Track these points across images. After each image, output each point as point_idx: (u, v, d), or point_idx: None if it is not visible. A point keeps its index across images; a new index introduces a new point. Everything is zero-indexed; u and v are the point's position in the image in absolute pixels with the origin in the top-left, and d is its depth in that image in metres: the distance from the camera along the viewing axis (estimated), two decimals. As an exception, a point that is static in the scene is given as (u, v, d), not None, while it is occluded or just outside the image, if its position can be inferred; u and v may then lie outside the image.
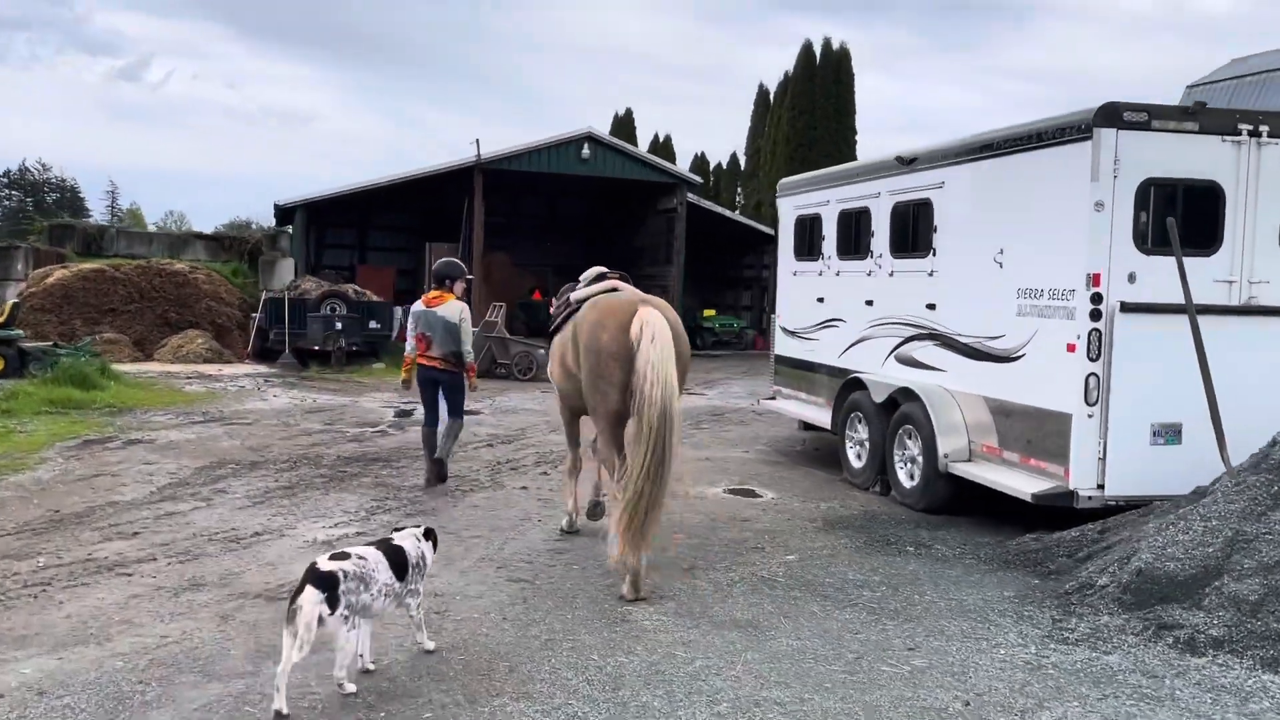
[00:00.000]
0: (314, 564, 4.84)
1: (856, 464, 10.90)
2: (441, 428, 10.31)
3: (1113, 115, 7.86)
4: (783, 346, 13.44)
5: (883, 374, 10.65)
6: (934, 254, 9.92)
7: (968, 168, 9.42)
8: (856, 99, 35.88)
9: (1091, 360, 7.96)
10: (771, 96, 38.42)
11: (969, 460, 9.27)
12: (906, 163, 10.42)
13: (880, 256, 10.91)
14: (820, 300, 12.31)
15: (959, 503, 9.46)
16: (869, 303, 11.10)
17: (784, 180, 13.67)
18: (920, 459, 9.63)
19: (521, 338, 23.91)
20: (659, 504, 6.61)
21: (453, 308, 10.04)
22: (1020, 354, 8.64)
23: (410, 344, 10.21)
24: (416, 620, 5.53)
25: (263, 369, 22.28)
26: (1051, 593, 6.80)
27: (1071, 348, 8.04)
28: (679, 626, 6.12)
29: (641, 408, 6.65)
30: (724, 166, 43.61)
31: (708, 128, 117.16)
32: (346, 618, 4.77)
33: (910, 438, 9.85)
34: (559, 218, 39.68)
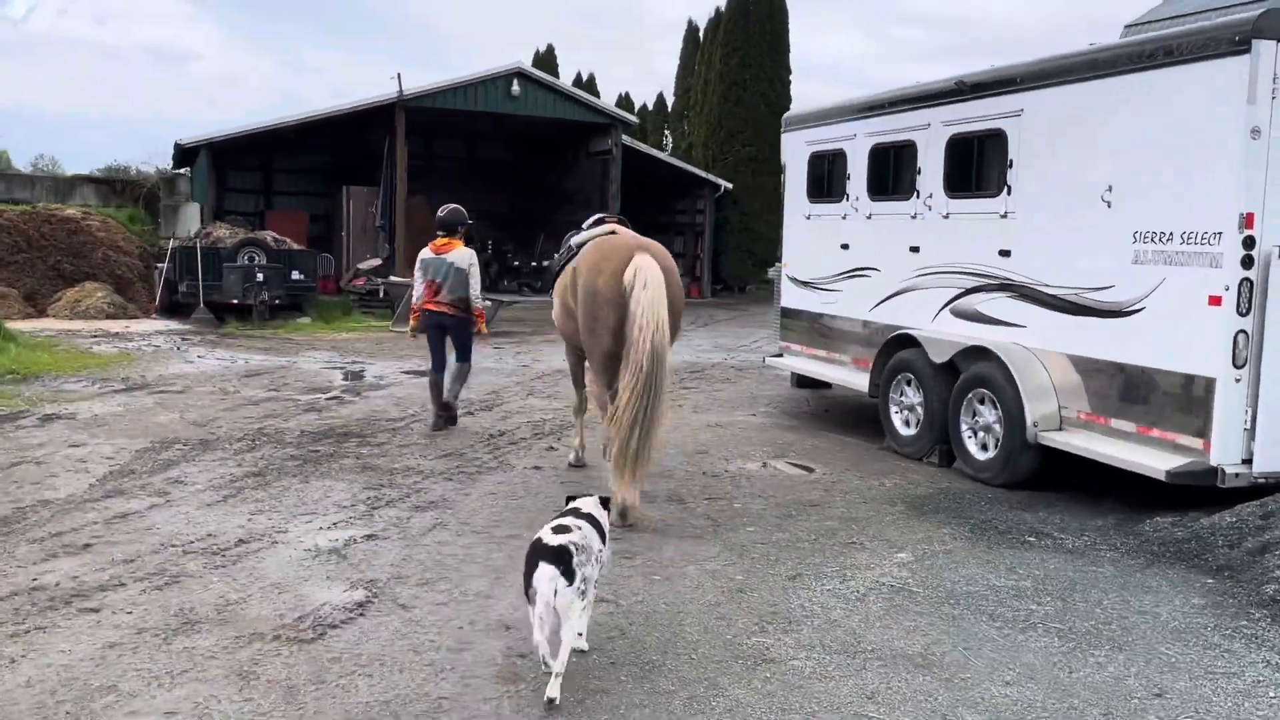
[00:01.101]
0: (540, 539, 4.51)
1: (905, 431, 9.68)
2: (449, 371, 10.34)
3: (1273, 24, 6.65)
4: (792, 299, 12.11)
5: (937, 330, 9.41)
6: (1008, 192, 8.66)
7: (1059, 91, 8.15)
8: (791, 38, 34.57)
9: (1241, 315, 6.82)
10: (702, 34, 36.79)
11: (1060, 429, 8.11)
12: (969, 88, 9.12)
13: (930, 197, 9.62)
14: (845, 247, 11.00)
15: (1040, 476, 8.33)
16: (914, 249, 9.83)
17: (793, 113, 12.27)
18: (999, 427, 8.44)
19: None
20: (649, 442, 6.80)
21: (462, 254, 10.05)
22: (1137, 307, 7.45)
23: (418, 291, 10.09)
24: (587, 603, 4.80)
25: (175, 325, 20.13)
26: (1248, 599, 5.67)
27: (1216, 300, 6.88)
28: (840, 667, 4.79)
29: (630, 351, 6.82)
30: (649, 108, 41.92)
31: (632, 68, 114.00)
32: (583, 591, 4.49)
33: (983, 403, 8.65)
34: (480, 160, 37.61)
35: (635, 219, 31.94)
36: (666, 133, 40.77)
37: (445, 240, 10.04)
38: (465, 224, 10.21)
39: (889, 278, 10.23)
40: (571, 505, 5.03)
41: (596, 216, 8.53)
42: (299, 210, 32.33)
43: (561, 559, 4.38)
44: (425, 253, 10.08)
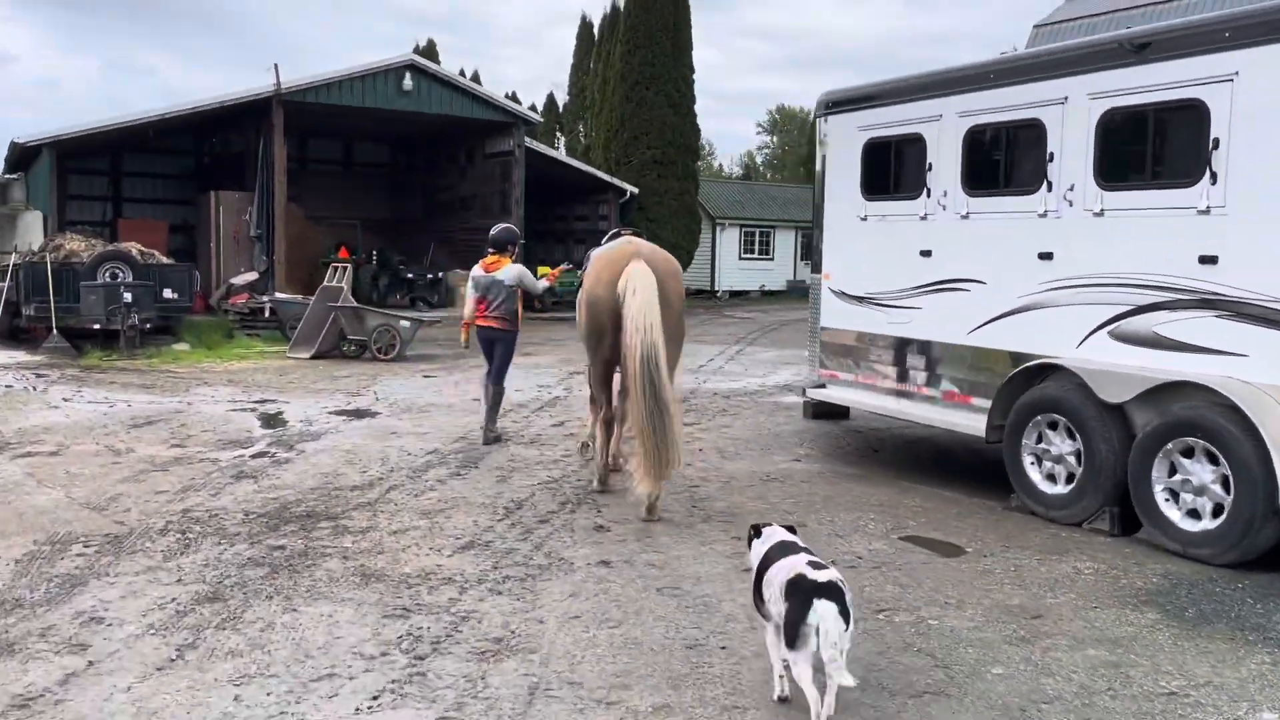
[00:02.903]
0: (803, 575, 4.10)
1: (1050, 489, 7.60)
2: (485, 400, 10.42)
3: None
4: (839, 318, 9.94)
5: (1092, 359, 7.37)
6: (1212, 181, 6.67)
7: (1309, 47, 6.19)
8: (693, 33, 32.60)
9: None
10: (597, 30, 34.51)
11: (1314, 491, 6.14)
12: (1137, 48, 7.11)
13: (1070, 190, 7.58)
14: (926, 254, 8.89)
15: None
16: (1044, 256, 7.77)
17: (837, 91, 10.10)
18: (1221, 488, 6.43)
19: (377, 308, 19.27)
20: (668, 437, 7.06)
21: (509, 271, 10.02)
22: None
23: (469, 307, 10.18)
24: None
25: (22, 357, 16.71)
26: None
27: None
28: None
29: (625, 359, 7.24)
30: (538, 109, 39.31)
31: (517, 68, 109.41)
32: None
33: (1190, 457, 6.63)
34: (358, 163, 34.52)
35: (530, 226, 29.37)
36: (559, 135, 38.31)
37: (495, 259, 10.03)
38: (516, 243, 10.30)
39: (1000, 292, 8.16)
40: (779, 539, 4.58)
41: (614, 231, 8.92)
42: (156, 219, 28.63)
43: (837, 595, 4.06)
44: (476, 270, 10.16)
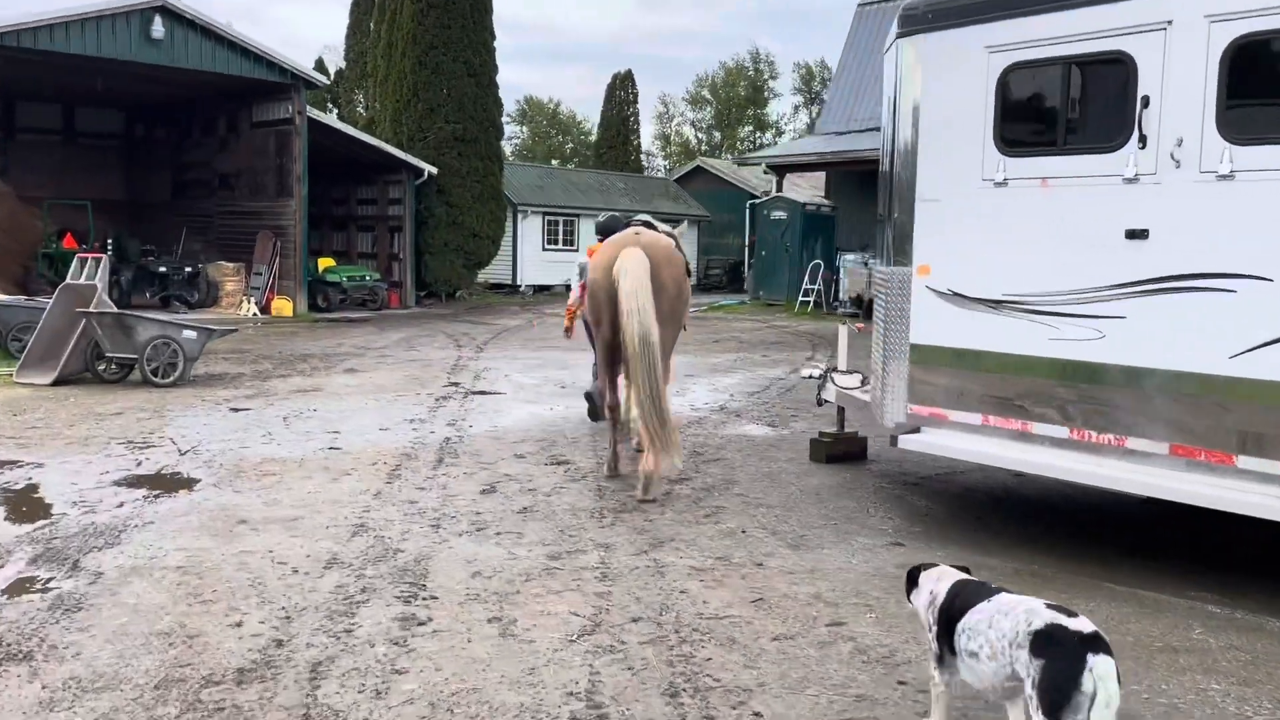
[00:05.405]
0: (1059, 624, 3.22)
1: None
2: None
3: None
4: (950, 331, 6.70)
5: None
6: None
7: None
8: (492, -7, 28.74)
9: None
10: (376, -14, 29.91)
11: None
12: None
13: None
14: (1138, 235, 5.80)
15: None
16: None
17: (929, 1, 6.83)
18: None
19: (154, 315, 14.35)
20: (664, 414, 7.36)
21: None
22: None
23: (574, 294, 10.32)
24: None
25: None
26: None
27: None
28: None
29: (622, 340, 7.52)
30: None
31: (271, 28, 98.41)
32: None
33: None
34: (83, 132, 28.50)
35: (308, 210, 24.08)
36: (331, 106, 33.29)
37: (597, 247, 9.47)
38: (617, 230, 9.53)
39: (1304, 294, 5.18)
40: (959, 576, 3.78)
41: (630, 219, 9.20)
42: None
43: (1108, 648, 3.17)
44: (581, 257, 10.19)
